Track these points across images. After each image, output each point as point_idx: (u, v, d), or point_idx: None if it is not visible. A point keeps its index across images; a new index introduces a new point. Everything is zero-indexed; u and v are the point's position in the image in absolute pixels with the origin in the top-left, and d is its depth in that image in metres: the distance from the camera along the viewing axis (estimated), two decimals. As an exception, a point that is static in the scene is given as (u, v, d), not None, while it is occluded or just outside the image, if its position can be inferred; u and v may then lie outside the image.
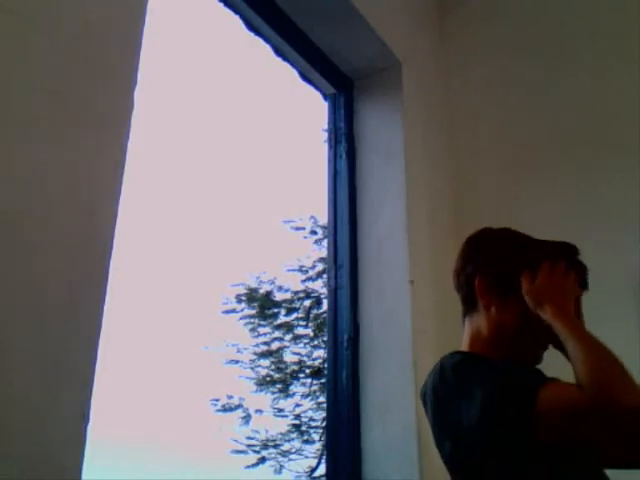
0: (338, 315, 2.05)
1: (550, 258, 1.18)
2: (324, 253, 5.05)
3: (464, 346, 1.21)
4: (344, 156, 2.23)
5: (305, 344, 6.38)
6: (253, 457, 5.77)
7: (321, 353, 6.19)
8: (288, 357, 6.36)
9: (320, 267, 6.31)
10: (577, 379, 0.97)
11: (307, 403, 6.14)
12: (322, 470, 5.72)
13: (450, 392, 1.09)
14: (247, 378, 6.12)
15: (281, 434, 5.98)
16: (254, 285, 6.43)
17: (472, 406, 1.02)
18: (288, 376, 6.25)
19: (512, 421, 0.97)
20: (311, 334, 6.38)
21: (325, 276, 2.29)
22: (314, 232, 6.53)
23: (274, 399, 6.13)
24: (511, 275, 1.18)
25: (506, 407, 0.98)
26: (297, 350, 6.37)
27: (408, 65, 2.32)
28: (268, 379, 6.19)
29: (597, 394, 0.92)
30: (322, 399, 5.88)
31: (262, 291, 6.44)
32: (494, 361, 1.12)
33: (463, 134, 2.57)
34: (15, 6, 1.02)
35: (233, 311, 6.34)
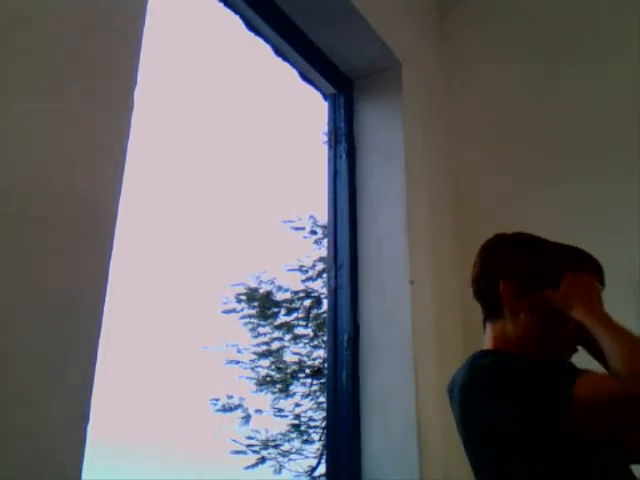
0: (338, 315, 2.05)
1: (571, 265, 1.19)
2: (324, 253, 5.05)
3: (489, 346, 1.21)
4: (344, 156, 2.23)
5: (305, 344, 6.38)
6: (253, 457, 5.77)
7: (321, 353, 6.19)
8: (288, 357, 6.36)
9: (320, 267, 6.31)
10: (612, 370, 1.01)
11: (307, 403, 6.14)
12: (322, 470, 5.72)
13: (481, 393, 1.09)
14: (247, 378, 6.13)
15: (281, 434, 5.98)
16: (254, 285, 6.43)
17: (504, 406, 1.03)
18: (288, 376, 6.25)
19: (546, 415, 0.99)
20: (311, 334, 6.37)
21: (325, 276, 2.30)
22: (314, 232, 6.53)
23: (274, 399, 6.13)
24: (536, 278, 1.19)
25: (540, 403, 1.00)
26: (297, 350, 6.37)
27: (408, 65, 2.32)
28: (268, 379, 6.19)
29: (633, 382, 0.96)
30: (322, 399, 5.88)
31: (262, 291, 6.44)
32: (524, 359, 1.12)
33: (463, 134, 2.57)
34: (15, 6, 1.02)
35: (233, 311, 6.34)
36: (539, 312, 1.17)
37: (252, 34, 2.03)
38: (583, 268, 1.20)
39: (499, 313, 1.21)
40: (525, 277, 1.19)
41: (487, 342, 1.21)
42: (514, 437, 1.03)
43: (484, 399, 1.07)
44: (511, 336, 1.18)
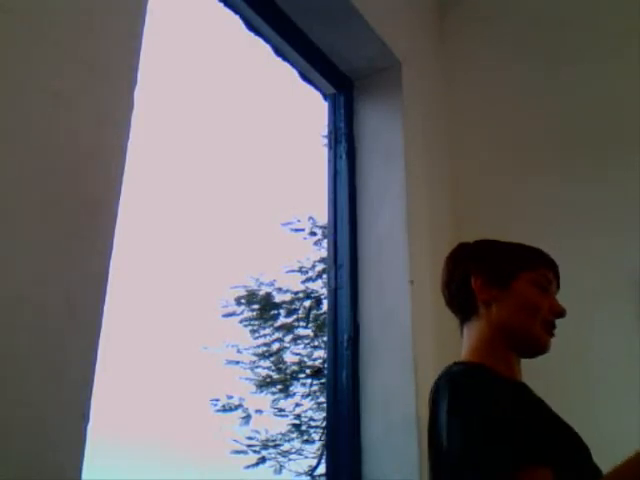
0: (338, 315, 2.05)
1: (532, 261, 1.25)
2: (324, 253, 5.05)
3: (468, 353, 1.21)
4: (344, 156, 2.23)
5: (305, 344, 6.38)
6: (253, 457, 5.77)
7: (321, 353, 6.19)
8: (288, 357, 6.36)
9: (320, 267, 6.31)
10: None
11: (307, 403, 6.14)
12: (322, 470, 5.72)
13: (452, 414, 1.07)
14: (247, 379, 6.13)
15: (281, 434, 5.98)
16: (254, 287, 6.43)
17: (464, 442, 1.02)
18: (288, 376, 6.25)
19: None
20: (311, 334, 6.37)
21: (325, 276, 2.30)
22: (313, 233, 6.52)
23: (274, 399, 6.13)
24: (504, 268, 1.23)
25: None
26: (297, 350, 6.37)
27: (408, 65, 2.32)
28: (268, 380, 6.19)
29: None
30: (322, 399, 5.88)
31: (262, 293, 6.43)
32: (503, 389, 1.10)
33: (463, 134, 2.57)
34: (15, 6, 1.02)
35: (233, 314, 6.34)
36: (509, 301, 1.21)
37: (252, 34, 2.03)
38: (542, 264, 1.25)
39: (473, 311, 1.23)
40: (492, 269, 1.24)
41: (466, 349, 1.23)
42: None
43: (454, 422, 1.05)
44: (486, 336, 1.20)
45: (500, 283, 1.22)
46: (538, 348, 1.21)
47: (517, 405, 1.07)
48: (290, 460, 5.93)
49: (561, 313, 1.22)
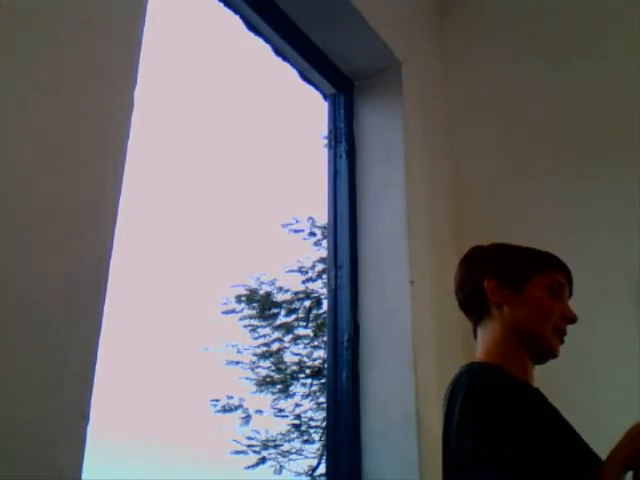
0: (338, 315, 2.05)
1: (545, 266, 1.26)
2: (324, 253, 5.05)
3: (484, 354, 1.22)
4: (344, 156, 2.23)
5: (305, 345, 6.38)
6: (253, 457, 5.77)
7: (321, 353, 6.19)
8: (288, 357, 6.36)
9: (320, 268, 6.31)
10: None
11: (307, 403, 6.14)
12: (322, 470, 5.72)
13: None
14: (247, 379, 6.12)
15: (281, 434, 5.98)
16: (254, 286, 6.43)
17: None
18: (288, 376, 6.25)
19: None
20: (311, 334, 6.37)
21: (325, 276, 2.30)
22: (313, 234, 6.53)
23: (274, 399, 6.13)
24: (518, 271, 1.24)
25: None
26: (297, 350, 6.37)
27: (408, 65, 2.32)
28: (268, 380, 6.19)
29: None
30: (322, 399, 5.88)
31: (262, 292, 6.44)
32: (518, 394, 1.10)
33: (463, 134, 2.57)
34: (15, 6, 1.02)
35: (233, 311, 6.34)
36: (522, 303, 1.22)
37: (252, 34, 2.03)
38: (555, 268, 1.26)
39: (485, 312, 1.24)
40: (506, 271, 1.25)
41: (479, 350, 1.24)
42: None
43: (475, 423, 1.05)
44: (500, 337, 1.21)
45: (513, 286, 1.23)
46: (549, 352, 1.22)
47: (532, 410, 1.07)
48: (290, 460, 5.94)
49: (572, 319, 1.23)
